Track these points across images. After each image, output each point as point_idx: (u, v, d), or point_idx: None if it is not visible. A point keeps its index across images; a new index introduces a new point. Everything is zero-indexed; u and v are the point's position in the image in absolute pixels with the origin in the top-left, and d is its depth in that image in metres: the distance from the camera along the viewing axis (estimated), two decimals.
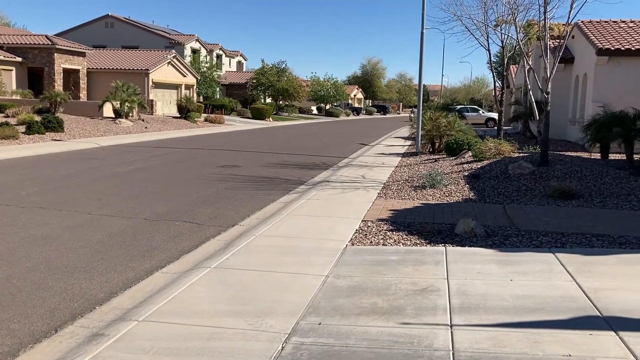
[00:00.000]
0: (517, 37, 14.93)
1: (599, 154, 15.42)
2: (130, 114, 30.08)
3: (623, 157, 14.44)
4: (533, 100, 14.62)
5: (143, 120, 30.48)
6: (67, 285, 5.56)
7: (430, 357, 3.79)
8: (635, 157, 13.39)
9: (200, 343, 4.09)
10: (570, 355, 3.73)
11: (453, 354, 3.82)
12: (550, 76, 12.21)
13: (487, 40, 19.56)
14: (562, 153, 15.80)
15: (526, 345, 3.92)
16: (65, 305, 5.05)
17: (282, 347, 4.00)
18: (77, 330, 4.46)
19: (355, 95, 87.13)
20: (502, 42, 19.44)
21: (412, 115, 52.00)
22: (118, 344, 4.10)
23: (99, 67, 37.67)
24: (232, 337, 4.17)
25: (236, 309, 4.74)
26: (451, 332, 4.19)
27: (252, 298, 4.99)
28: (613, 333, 4.07)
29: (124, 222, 8.31)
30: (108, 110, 29.59)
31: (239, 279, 5.56)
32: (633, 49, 18.37)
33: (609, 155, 15.14)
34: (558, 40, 17.33)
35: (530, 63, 17.69)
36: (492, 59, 22.64)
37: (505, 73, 21.95)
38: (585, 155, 15.73)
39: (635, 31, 19.98)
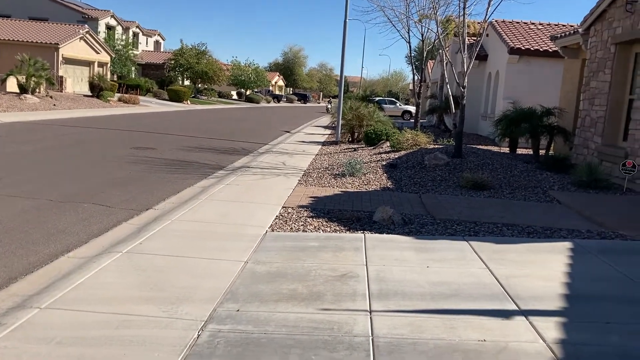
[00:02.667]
0: (438, 31, 15.29)
1: (508, 148, 16.17)
2: (37, 90, 28.22)
3: (529, 151, 15.23)
4: (450, 94, 15.08)
5: (51, 97, 28.70)
6: None
7: (350, 343, 3.76)
8: (540, 152, 14.16)
9: (108, 331, 3.84)
10: (484, 340, 3.82)
11: (372, 340, 3.82)
12: (467, 71, 12.61)
13: (408, 32, 19.97)
14: (474, 146, 16.43)
15: (443, 331, 3.98)
16: None
17: (198, 335, 3.83)
18: None
19: (276, 83, 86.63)
20: (422, 35, 19.92)
21: (330, 106, 52.26)
22: (16, 334, 3.76)
23: (2, 38, 34.94)
24: (144, 325, 3.95)
25: (149, 296, 4.50)
26: (370, 318, 4.19)
27: (166, 284, 4.77)
28: (524, 318, 4.22)
29: (27, 202, 7.73)
30: (12, 84, 27.58)
31: (152, 264, 5.30)
32: (541, 49, 19.41)
33: (517, 149, 15.92)
34: (474, 38, 17.98)
35: (447, 57, 18.25)
36: (412, 52, 23.15)
37: (423, 67, 22.52)
38: (495, 149, 16.43)
39: (543, 33, 21.09)
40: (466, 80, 12.69)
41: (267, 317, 4.16)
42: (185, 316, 4.13)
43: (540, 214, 8.18)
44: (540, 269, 5.45)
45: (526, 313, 4.32)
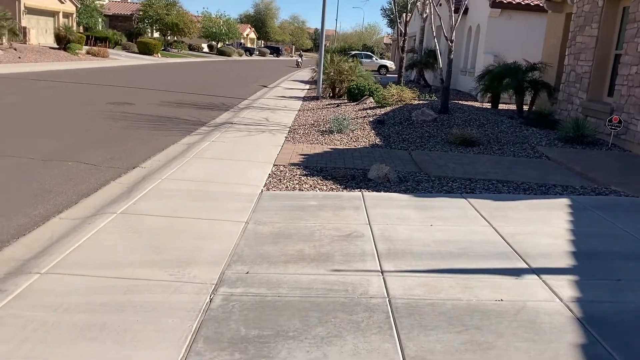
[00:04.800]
0: None
1: (490, 104, 16.13)
2: (0, 42, 26.97)
3: (511, 107, 15.22)
4: (438, 48, 14.83)
5: (15, 49, 27.46)
6: None
7: (367, 305, 3.68)
8: (524, 107, 14.14)
9: (117, 297, 3.68)
10: (502, 300, 3.79)
11: (389, 301, 3.75)
12: (455, 24, 12.39)
13: None
14: (456, 102, 16.36)
15: (458, 291, 3.94)
16: None
17: (211, 300, 3.71)
18: None
19: (248, 35, 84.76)
20: None
21: (300, 60, 51.23)
22: (19, 301, 3.58)
23: None
24: (154, 290, 3.80)
25: (153, 259, 4.34)
26: (383, 278, 4.12)
27: (168, 246, 4.60)
28: (536, 277, 4.21)
29: (7, 162, 7.39)
30: None
31: (150, 225, 5.11)
32: (523, 2, 19.19)
33: (499, 105, 15.89)
34: None
35: (427, 11, 17.93)
36: (395, 4, 22.66)
37: (407, 20, 22.13)
38: (477, 104, 16.38)
39: None
40: (454, 35, 12.48)
41: (278, 279, 4.05)
42: (193, 280, 3.99)
43: (532, 170, 8.19)
44: (543, 226, 5.45)
45: (538, 271, 4.30)
